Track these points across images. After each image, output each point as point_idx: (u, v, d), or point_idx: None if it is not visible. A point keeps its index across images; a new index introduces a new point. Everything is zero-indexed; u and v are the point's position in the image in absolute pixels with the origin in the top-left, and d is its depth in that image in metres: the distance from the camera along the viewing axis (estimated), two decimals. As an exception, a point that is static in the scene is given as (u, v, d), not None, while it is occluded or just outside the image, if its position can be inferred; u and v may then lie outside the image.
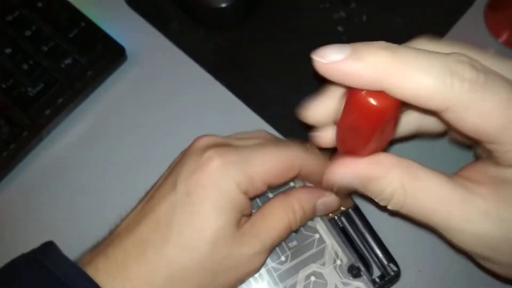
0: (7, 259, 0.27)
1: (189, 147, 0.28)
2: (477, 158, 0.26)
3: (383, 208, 0.24)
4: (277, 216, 0.27)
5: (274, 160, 0.26)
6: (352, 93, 0.21)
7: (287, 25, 0.41)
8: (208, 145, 0.26)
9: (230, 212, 0.25)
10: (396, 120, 0.22)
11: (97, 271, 0.25)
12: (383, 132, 0.22)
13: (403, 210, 0.23)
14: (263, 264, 0.28)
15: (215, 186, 0.24)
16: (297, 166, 0.27)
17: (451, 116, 0.20)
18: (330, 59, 0.20)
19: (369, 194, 0.23)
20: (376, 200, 0.23)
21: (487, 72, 0.20)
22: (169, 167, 0.29)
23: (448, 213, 0.22)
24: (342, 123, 0.23)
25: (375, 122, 0.21)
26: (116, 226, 0.28)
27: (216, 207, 0.25)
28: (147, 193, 0.29)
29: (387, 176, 0.22)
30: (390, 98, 0.20)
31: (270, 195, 0.31)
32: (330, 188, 0.26)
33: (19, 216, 0.35)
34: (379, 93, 0.20)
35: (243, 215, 0.26)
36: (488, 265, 0.23)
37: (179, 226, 0.25)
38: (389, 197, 0.22)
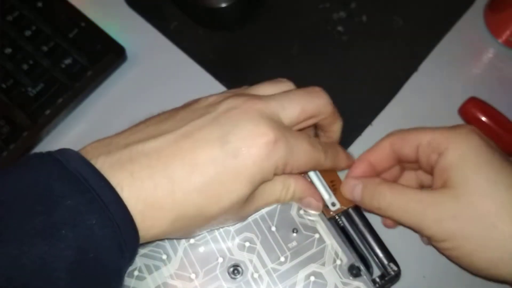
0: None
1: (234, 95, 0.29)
2: None
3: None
4: (274, 187, 0.30)
5: (309, 159, 0.29)
6: None
7: (287, 25, 0.41)
8: (261, 112, 0.27)
9: (257, 184, 0.27)
10: None
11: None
12: None
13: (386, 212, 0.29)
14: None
15: (260, 162, 0.26)
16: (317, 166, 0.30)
17: None
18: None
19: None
20: None
21: None
22: (198, 103, 0.31)
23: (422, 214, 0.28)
24: None
25: None
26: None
27: (251, 179, 0.27)
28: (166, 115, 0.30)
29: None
30: None
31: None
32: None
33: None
34: None
35: None
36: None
37: (213, 179, 0.26)
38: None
